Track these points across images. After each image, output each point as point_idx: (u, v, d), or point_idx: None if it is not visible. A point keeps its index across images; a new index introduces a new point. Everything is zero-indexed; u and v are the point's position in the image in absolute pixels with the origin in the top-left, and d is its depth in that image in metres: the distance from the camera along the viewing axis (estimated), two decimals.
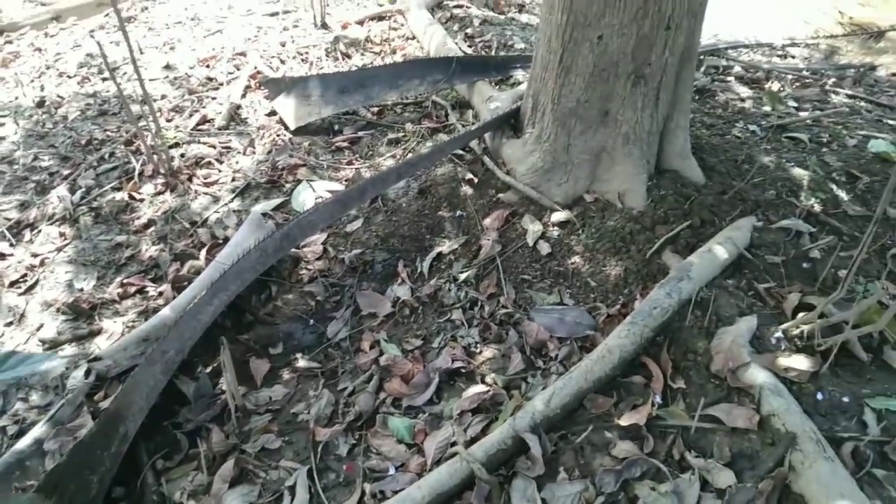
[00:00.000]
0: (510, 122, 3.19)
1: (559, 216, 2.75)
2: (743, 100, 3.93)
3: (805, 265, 2.47)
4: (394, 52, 4.87)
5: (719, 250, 2.39)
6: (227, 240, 2.93)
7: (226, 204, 3.22)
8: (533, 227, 2.75)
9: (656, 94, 2.70)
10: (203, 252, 2.90)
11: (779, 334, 2.17)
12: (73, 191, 3.38)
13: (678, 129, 2.85)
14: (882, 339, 2.17)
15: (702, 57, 4.61)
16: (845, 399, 2.02)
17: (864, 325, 2.04)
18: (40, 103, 4.35)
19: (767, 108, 3.78)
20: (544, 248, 2.68)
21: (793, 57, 5.06)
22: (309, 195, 3.17)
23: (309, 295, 2.72)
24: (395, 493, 1.93)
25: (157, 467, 2.09)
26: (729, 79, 4.33)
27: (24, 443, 2.10)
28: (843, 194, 2.86)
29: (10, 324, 2.69)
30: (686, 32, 2.59)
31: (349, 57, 4.78)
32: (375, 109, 3.92)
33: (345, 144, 3.61)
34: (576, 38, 2.63)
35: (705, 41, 4.91)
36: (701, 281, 2.32)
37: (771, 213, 2.69)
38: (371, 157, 3.48)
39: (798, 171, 2.96)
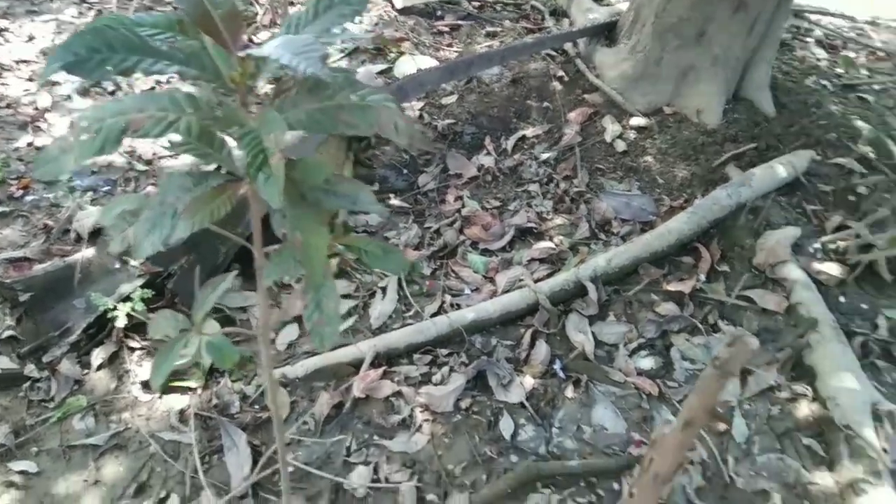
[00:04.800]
0: (605, 33, 3.44)
1: (638, 121, 3.04)
2: (819, 59, 4.12)
3: (851, 198, 2.75)
4: None
5: (779, 168, 2.69)
6: None
7: (336, 62, 3.52)
8: (612, 127, 3.04)
9: (752, 24, 2.93)
10: None
11: (817, 245, 2.49)
12: None
13: (762, 61, 3.10)
14: None
15: None
16: (864, 305, 2.35)
17: (891, 249, 2.36)
18: None
19: (840, 71, 3.98)
20: (620, 145, 2.98)
21: (870, 36, 5.18)
22: (410, 66, 3.46)
23: (404, 149, 3.05)
24: (469, 306, 2.31)
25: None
26: (808, 39, 4.49)
27: None
28: None
29: None
30: None
31: None
32: (476, 4, 4.17)
33: (445, 29, 3.88)
34: None
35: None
36: (759, 191, 2.62)
37: (829, 151, 2.95)
38: (469, 45, 3.75)
39: (860, 123, 3.20)
